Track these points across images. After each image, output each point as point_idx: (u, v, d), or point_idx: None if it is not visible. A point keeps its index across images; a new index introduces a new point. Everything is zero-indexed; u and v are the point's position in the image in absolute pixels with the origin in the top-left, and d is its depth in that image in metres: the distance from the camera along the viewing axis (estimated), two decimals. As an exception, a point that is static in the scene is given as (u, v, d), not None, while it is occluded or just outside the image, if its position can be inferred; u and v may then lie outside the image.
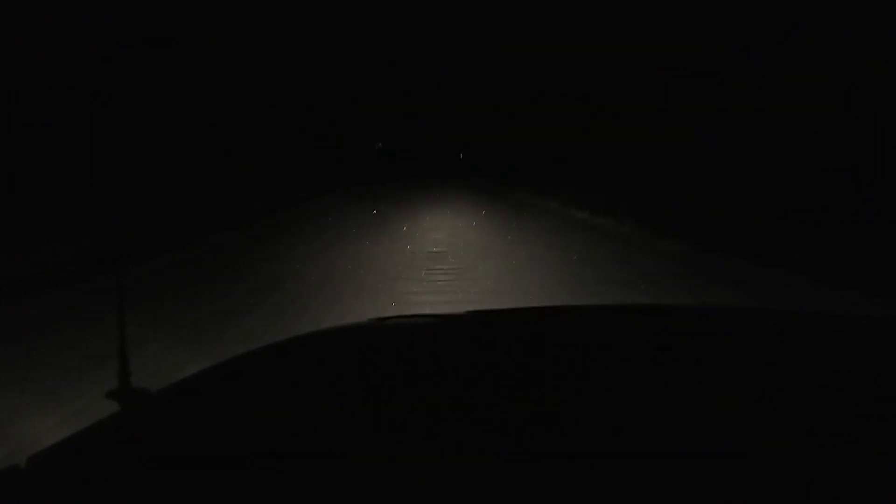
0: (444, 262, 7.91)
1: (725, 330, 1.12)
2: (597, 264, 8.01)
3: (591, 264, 7.95)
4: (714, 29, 11.00)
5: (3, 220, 7.08)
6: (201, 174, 13.50)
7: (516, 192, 20.07)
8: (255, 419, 0.83)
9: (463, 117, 41.26)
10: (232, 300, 5.77)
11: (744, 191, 9.62)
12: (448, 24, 34.11)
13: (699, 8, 11.48)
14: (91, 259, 6.60)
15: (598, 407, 0.78)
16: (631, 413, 0.75)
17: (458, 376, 0.91)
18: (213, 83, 15.23)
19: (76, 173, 9.33)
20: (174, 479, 0.70)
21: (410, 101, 41.01)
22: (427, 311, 2.36)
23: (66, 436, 0.84)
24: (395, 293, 5.92)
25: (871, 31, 8.11)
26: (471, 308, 1.29)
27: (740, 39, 10.39)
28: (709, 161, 11.04)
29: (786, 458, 0.65)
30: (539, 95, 23.95)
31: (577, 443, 0.69)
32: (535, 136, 24.54)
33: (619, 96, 15.66)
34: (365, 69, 32.35)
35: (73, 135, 9.70)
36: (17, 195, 7.73)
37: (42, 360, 4.04)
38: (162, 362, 3.49)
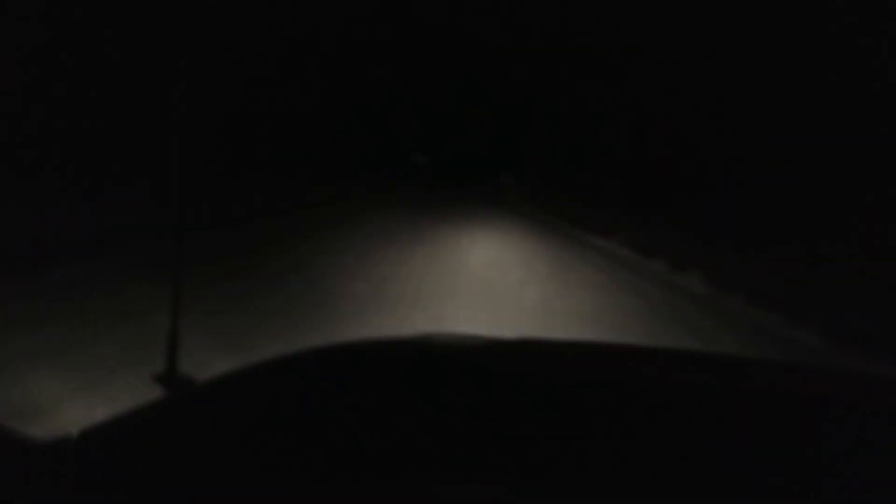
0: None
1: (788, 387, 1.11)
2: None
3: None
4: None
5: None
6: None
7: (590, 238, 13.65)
8: (297, 422, 0.85)
9: (511, 124, 37.57)
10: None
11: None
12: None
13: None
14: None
15: (631, 449, 0.78)
16: (662, 460, 0.75)
17: (500, 404, 0.91)
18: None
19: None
20: (215, 470, 0.72)
21: (446, 108, 39.60)
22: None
23: (117, 414, 0.87)
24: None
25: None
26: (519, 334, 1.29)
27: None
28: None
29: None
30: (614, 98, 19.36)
31: (609, 483, 0.70)
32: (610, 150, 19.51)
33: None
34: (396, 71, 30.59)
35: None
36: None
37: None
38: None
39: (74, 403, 2.83)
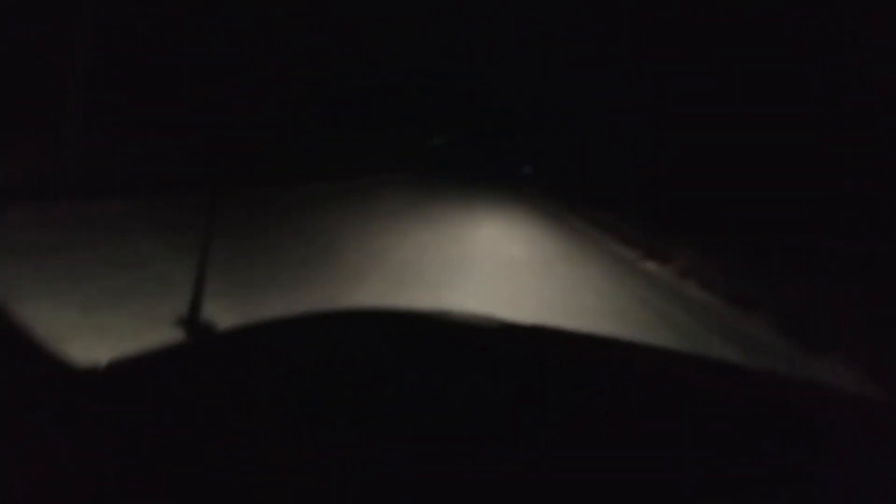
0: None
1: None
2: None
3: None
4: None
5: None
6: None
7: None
8: (312, 377, 0.87)
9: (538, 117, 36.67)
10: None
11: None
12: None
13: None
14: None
15: (631, 445, 0.79)
16: (659, 455, 0.77)
17: (511, 384, 0.94)
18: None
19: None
20: (230, 416, 0.73)
21: (475, 94, 38.87)
22: None
23: (143, 350, 0.88)
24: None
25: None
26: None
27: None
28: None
29: None
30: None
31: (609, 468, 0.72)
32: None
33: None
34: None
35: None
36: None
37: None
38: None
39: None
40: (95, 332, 2.90)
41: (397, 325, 1.14)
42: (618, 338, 1.37)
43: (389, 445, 0.69)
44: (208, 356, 0.96)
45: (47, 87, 7.60)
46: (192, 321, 1.08)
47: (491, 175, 33.76)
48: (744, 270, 7.89)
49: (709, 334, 5.80)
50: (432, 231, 9.13)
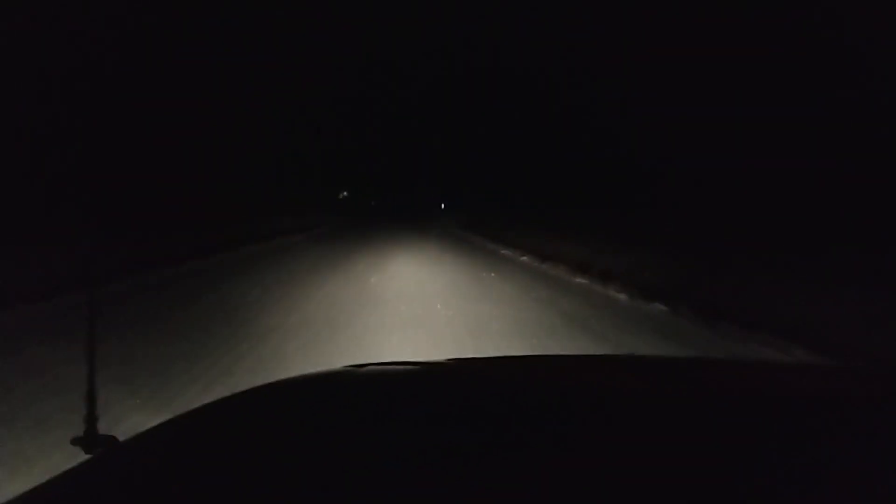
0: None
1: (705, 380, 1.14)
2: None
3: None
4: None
5: None
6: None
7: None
8: (226, 471, 0.83)
9: (449, 156, 39.19)
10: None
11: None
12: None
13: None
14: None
15: (577, 456, 0.79)
16: (608, 464, 0.76)
17: (437, 424, 0.91)
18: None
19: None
20: None
21: (380, 140, 40.26)
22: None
23: (35, 485, 0.82)
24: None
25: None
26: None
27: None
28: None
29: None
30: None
31: (557, 493, 0.71)
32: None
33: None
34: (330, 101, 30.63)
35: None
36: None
37: None
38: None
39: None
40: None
41: (311, 392, 1.11)
42: (538, 355, 1.34)
43: None
44: (112, 474, 0.90)
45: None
46: (88, 439, 1.02)
47: (401, 217, 35.17)
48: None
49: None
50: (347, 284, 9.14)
